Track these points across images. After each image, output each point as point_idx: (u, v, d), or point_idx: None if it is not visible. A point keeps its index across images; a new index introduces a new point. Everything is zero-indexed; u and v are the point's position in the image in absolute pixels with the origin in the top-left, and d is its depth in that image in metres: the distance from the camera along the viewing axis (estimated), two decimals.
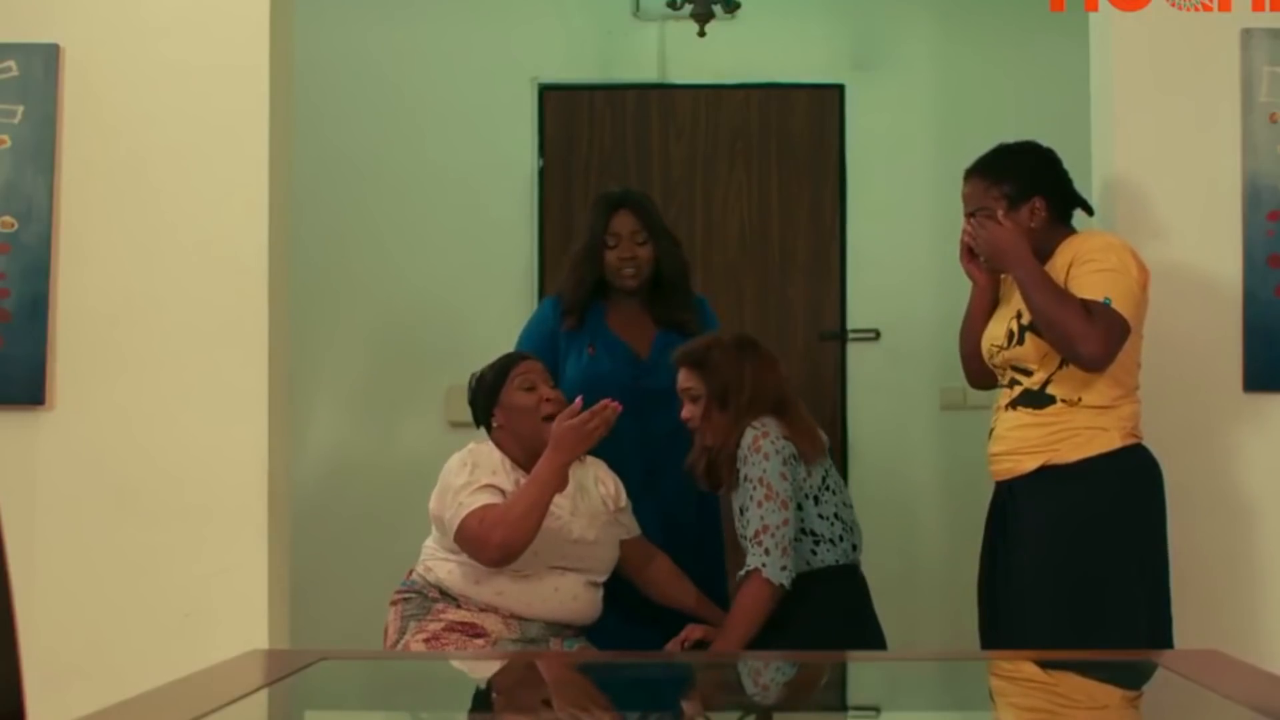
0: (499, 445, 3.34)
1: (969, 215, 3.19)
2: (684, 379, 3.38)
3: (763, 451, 3.21)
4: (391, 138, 4.96)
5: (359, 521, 4.77)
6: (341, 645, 4.18)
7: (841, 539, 3.28)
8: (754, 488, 3.20)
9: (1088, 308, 2.98)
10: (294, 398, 3.72)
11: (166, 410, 3.40)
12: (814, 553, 3.24)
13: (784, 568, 3.16)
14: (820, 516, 3.26)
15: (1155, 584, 3.04)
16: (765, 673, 2.50)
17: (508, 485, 3.22)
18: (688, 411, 3.36)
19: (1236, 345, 3.39)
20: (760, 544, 3.17)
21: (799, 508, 3.23)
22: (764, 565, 3.15)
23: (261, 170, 3.43)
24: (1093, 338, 2.96)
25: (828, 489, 3.29)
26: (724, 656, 3.02)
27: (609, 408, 3.14)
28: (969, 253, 3.24)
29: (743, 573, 3.19)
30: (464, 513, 3.15)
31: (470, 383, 3.46)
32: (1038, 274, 3.04)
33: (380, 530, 4.68)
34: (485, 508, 3.15)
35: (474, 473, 3.23)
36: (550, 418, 3.24)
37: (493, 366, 3.43)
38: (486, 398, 3.39)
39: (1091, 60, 3.61)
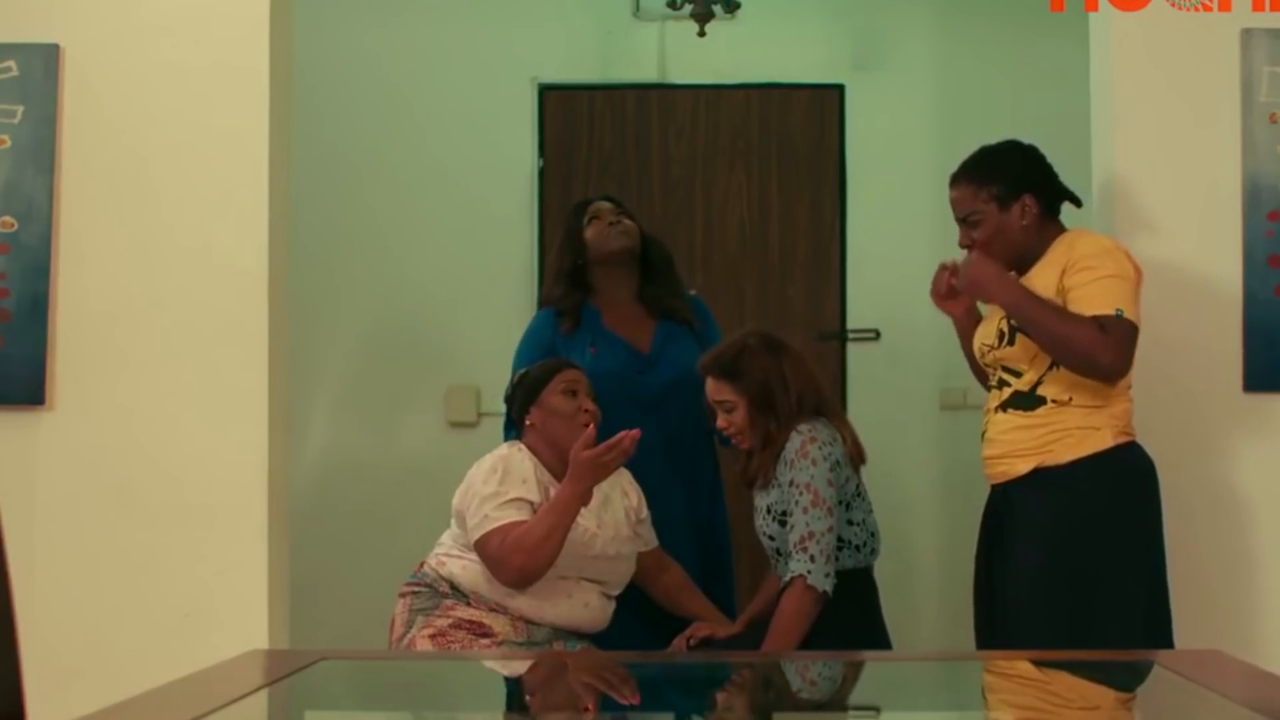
0: (529, 446, 3.33)
1: (960, 221, 3.19)
2: (715, 390, 3.31)
3: (811, 457, 3.19)
4: (391, 138, 4.96)
5: (359, 521, 4.77)
6: (342, 645, 4.18)
7: (865, 544, 3.27)
8: (800, 493, 3.17)
9: (1101, 323, 2.97)
10: (294, 398, 3.72)
11: (166, 410, 3.40)
12: (835, 558, 3.22)
13: (827, 574, 3.15)
14: (849, 523, 3.25)
15: (1153, 583, 3.04)
16: (766, 673, 2.50)
17: (536, 497, 3.20)
18: (724, 421, 3.30)
19: (1236, 345, 3.39)
20: (805, 550, 3.15)
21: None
22: (809, 572, 3.13)
23: (261, 170, 3.42)
24: (1110, 348, 2.96)
25: (859, 495, 3.28)
26: (726, 657, 3.02)
27: (627, 438, 3.10)
28: (948, 292, 3.27)
29: (787, 579, 3.17)
30: (488, 527, 3.15)
31: (512, 379, 3.46)
32: (1030, 299, 3.02)
33: (380, 530, 4.68)
34: (508, 526, 3.14)
35: (503, 482, 3.20)
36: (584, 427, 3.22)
37: (540, 366, 3.43)
38: (526, 395, 3.38)
39: (1091, 60, 3.60)
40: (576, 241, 3.69)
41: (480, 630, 3.19)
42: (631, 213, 3.78)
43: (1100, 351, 2.96)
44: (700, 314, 3.76)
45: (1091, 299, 2.99)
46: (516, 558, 3.11)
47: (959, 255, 3.33)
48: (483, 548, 3.16)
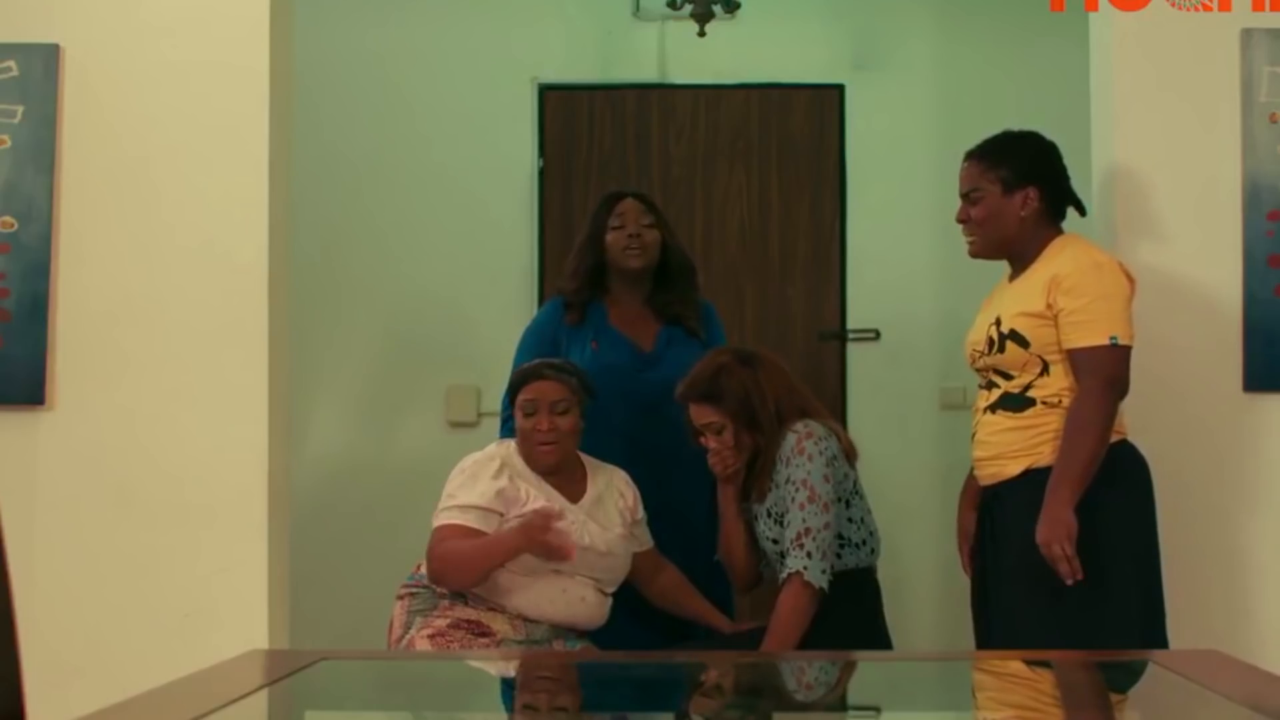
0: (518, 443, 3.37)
1: (962, 196, 3.20)
2: (699, 415, 3.31)
3: (806, 453, 3.19)
4: (391, 138, 4.96)
5: (359, 521, 4.77)
6: (341, 645, 4.18)
7: (865, 543, 3.27)
8: (796, 490, 3.17)
9: (1093, 357, 2.99)
10: (294, 398, 3.72)
11: (166, 410, 3.40)
12: (839, 556, 3.22)
13: (824, 571, 3.14)
14: (850, 520, 3.25)
15: (1147, 581, 3.04)
16: (766, 673, 2.50)
17: (497, 505, 3.22)
18: (714, 443, 3.29)
19: (1236, 345, 3.39)
20: (802, 547, 3.14)
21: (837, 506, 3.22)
22: (805, 568, 3.13)
23: (261, 170, 3.43)
24: (1108, 393, 2.99)
25: (857, 493, 3.29)
26: (725, 658, 3.02)
27: (572, 551, 3.12)
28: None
29: (784, 576, 3.17)
30: (436, 522, 3.24)
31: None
32: (1078, 476, 2.95)
33: (380, 530, 4.68)
34: (449, 530, 3.21)
35: (464, 486, 3.25)
36: (544, 443, 3.29)
37: (519, 371, 3.46)
38: (509, 395, 3.43)
39: (1091, 60, 3.61)
40: (598, 243, 3.69)
41: (479, 630, 3.20)
42: (659, 213, 3.75)
43: (1109, 409, 2.99)
44: (709, 323, 3.76)
45: (1083, 329, 3.01)
46: (438, 564, 3.20)
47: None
48: (428, 547, 3.23)
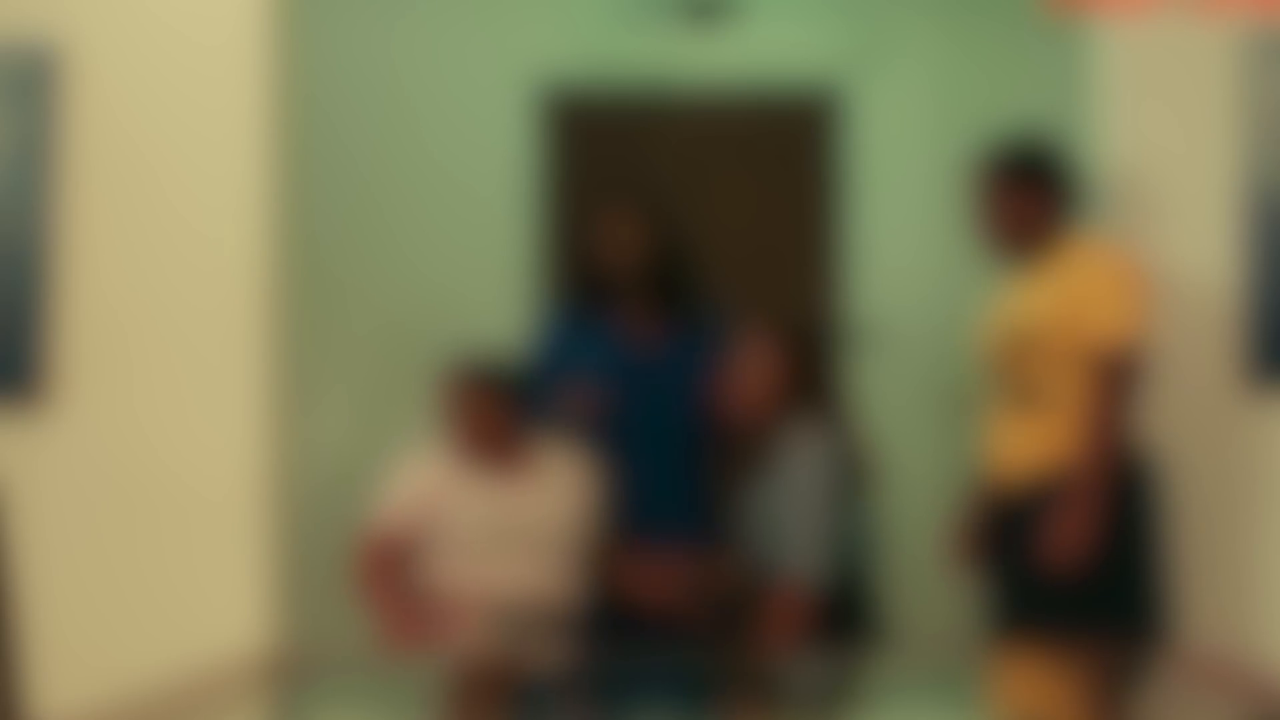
0: None
1: (980, 206, 3.20)
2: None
3: (811, 451, 3.20)
4: (392, 139, 4.95)
5: (359, 521, 4.76)
6: (342, 645, 4.18)
7: (865, 544, 3.28)
8: (799, 487, 3.18)
9: (1110, 357, 3.01)
10: (294, 398, 3.72)
11: (167, 409, 3.40)
12: (837, 555, 3.23)
13: (821, 569, 3.15)
14: (849, 520, 3.25)
15: (1155, 582, 3.04)
16: (765, 672, 2.50)
17: (412, 496, 3.43)
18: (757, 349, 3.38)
19: (1236, 345, 3.39)
20: (800, 544, 3.15)
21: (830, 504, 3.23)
22: (802, 566, 3.14)
23: (261, 170, 3.43)
24: (1124, 397, 3.03)
25: (858, 494, 3.29)
26: (720, 657, 3.02)
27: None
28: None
29: (780, 573, 3.18)
30: (371, 520, 3.44)
31: None
32: (1100, 486, 2.99)
33: None
34: (378, 541, 3.45)
35: (392, 479, 3.45)
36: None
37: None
38: None
39: (1091, 61, 3.60)
40: (596, 249, 3.70)
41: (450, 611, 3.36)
42: (657, 216, 3.76)
43: (1127, 409, 3.04)
44: (712, 321, 3.77)
45: (1100, 329, 3.03)
46: (362, 576, 3.47)
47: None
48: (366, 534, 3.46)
